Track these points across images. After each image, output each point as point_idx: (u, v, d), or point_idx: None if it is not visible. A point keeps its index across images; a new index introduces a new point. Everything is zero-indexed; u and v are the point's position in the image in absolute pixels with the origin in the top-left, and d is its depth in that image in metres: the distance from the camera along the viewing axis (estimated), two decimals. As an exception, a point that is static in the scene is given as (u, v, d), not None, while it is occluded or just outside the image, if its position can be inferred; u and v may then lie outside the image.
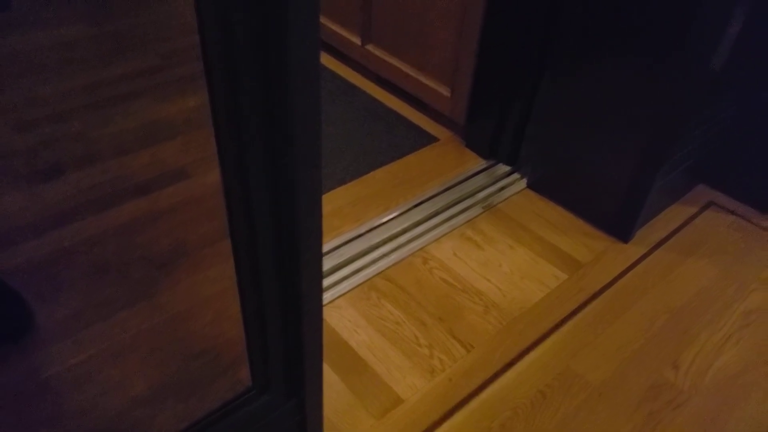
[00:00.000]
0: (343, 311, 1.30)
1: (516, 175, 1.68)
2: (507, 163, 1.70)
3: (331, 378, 1.18)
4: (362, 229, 1.48)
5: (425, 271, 1.40)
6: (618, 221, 1.50)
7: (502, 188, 1.63)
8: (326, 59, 2.11)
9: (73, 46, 2.03)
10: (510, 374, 1.21)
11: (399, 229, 1.49)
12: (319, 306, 1.03)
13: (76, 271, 1.37)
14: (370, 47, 1.91)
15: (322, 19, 2.04)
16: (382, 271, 1.39)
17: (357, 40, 1.93)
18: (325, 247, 1.42)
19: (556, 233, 1.53)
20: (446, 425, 1.12)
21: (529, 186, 1.64)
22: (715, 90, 1.47)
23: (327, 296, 1.32)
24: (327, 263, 1.39)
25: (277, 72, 0.64)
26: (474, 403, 1.16)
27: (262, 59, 0.64)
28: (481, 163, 1.71)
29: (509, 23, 1.50)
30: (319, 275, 0.93)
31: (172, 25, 2.23)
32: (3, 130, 1.85)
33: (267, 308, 1.02)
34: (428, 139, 1.79)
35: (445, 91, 1.74)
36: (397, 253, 1.43)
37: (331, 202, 1.56)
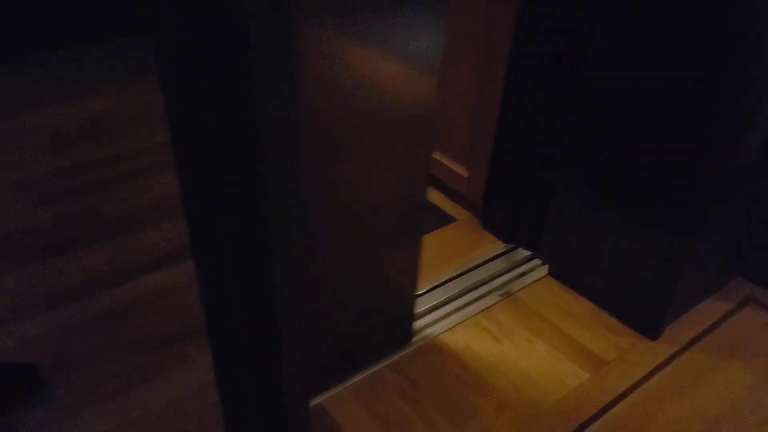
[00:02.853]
0: (347, 404, 1.23)
1: (536, 261, 1.61)
2: (527, 248, 1.64)
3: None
4: (373, 314, 1.43)
5: (438, 363, 1.33)
6: (645, 316, 1.41)
7: (522, 275, 1.57)
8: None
9: (98, 120, 2.06)
10: (524, 487, 1.10)
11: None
12: (305, 403, 0.96)
13: (85, 348, 1.34)
14: (391, 126, 1.92)
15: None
16: (392, 361, 1.32)
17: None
18: (333, 333, 1.37)
19: (577, 327, 1.44)
20: None
21: (551, 274, 1.57)
22: (751, 178, 1.40)
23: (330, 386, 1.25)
24: (333, 350, 1.32)
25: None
26: None
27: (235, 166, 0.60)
28: (500, 247, 1.65)
29: (527, 108, 1.48)
30: (304, 371, 0.87)
31: None
32: (27, 204, 1.87)
33: (249, 411, 0.96)
34: (445, 220, 1.75)
35: (462, 171, 1.71)
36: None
37: (343, 283, 1.52)
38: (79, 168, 1.84)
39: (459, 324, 1.42)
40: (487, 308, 1.47)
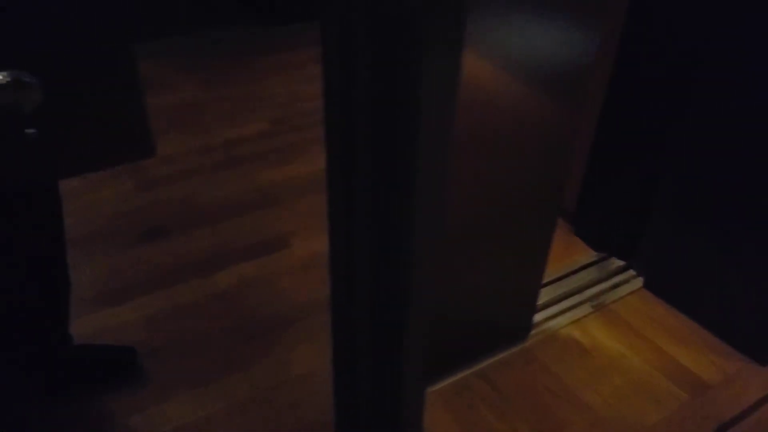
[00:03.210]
0: (434, 410, 1.21)
1: (631, 272, 1.53)
2: (621, 258, 1.56)
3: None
4: (458, 318, 1.40)
5: (527, 374, 1.29)
6: (754, 338, 1.31)
7: (615, 286, 1.49)
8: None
9: (195, 109, 2.10)
10: None
11: (498, 321, 1.39)
12: (420, 406, 0.95)
13: (178, 333, 1.39)
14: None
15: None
16: (480, 368, 1.29)
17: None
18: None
19: (676, 344, 1.36)
20: None
21: (646, 286, 1.49)
22: None
23: (417, 391, 1.24)
24: (419, 353, 1.31)
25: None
26: None
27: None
28: (592, 255, 1.58)
29: (627, 111, 1.40)
30: (421, 367, 0.85)
31: (281, 93, 2.30)
32: (123, 190, 1.93)
33: (361, 399, 0.95)
34: (534, 223, 1.69)
35: (555, 175, 1.65)
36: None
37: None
38: (176, 156, 1.91)
39: (550, 335, 1.37)
40: (578, 319, 1.41)
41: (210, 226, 1.65)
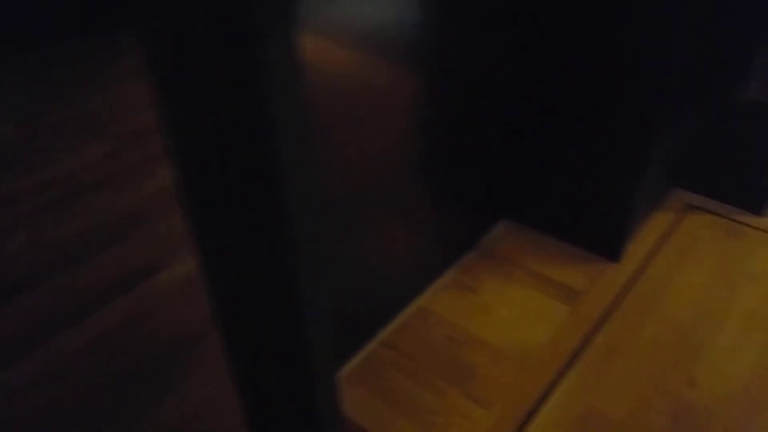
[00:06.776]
0: (352, 391, 1.23)
1: (494, 208, 1.64)
2: (483, 196, 1.67)
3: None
4: (351, 295, 1.41)
5: (427, 330, 1.35)
6: (606, 240, 1.49)
7: (484, 224, 1.60)
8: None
9: (28, 138, 1.81)
10: (532, 428, 1.16)
11: (389, 287, 1.43)
12: (335, 393, 0.95)
13: (66, 390, 1.24)
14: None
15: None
16: (382, 338, 1.33)
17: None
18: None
19: (546, 263, 1.50)
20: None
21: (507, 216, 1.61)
22: (687, 95, 1.47)
23: (330, 379, 1.24)
24: (323, 341, 1.31)
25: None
26: (506, 470, 1.10)
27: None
28: (457, 200, 1.67)
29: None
30: (330, 336, 0.85)
31: (117, 108, 2.08)
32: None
33: (271, 409, 0.94)
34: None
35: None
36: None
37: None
38: (14, 196, 1.66)
39: (442, 285, 1.44)
40: (464, 264, 1.49)
41: (68, 270, 1.47)
